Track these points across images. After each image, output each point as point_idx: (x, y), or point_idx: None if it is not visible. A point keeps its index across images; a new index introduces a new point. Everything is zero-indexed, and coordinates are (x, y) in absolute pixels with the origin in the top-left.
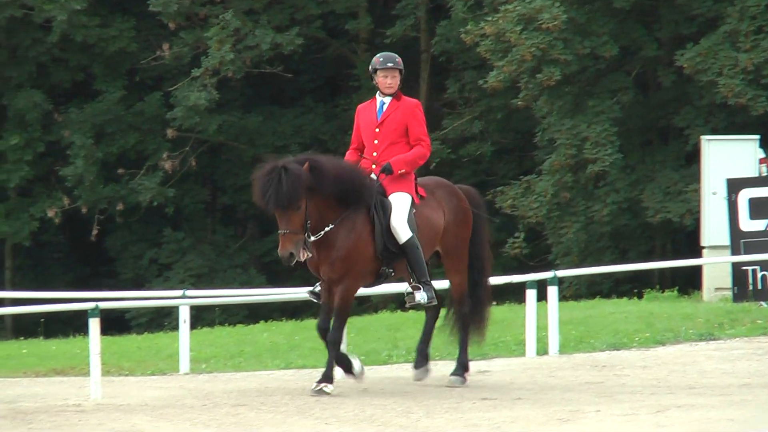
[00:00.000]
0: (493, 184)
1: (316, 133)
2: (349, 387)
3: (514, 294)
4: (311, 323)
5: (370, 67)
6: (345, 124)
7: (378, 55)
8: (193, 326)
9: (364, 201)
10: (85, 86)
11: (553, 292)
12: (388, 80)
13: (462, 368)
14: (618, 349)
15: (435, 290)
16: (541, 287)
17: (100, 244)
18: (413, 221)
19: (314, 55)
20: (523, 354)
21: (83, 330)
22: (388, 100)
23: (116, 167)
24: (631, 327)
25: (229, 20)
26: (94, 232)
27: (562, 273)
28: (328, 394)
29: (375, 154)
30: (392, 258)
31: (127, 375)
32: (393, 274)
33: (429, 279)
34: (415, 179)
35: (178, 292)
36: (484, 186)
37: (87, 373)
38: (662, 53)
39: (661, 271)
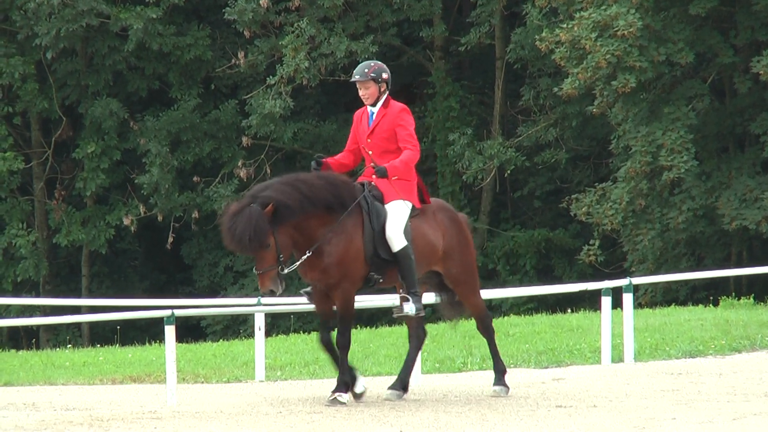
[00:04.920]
0: (568, 191)
1: None
2: (425, 394)
3: (589, 301)
4: (386, 331)
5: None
6: (420, 132)
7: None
8: (268, 333)
9: (348, 202)
10: (160, 94)
11: (628, 299)
12: (361, 92)
13: (501, 375)
14: (694, 357)
15: (422, 302)
16: (617, 294)
17: (175, 252)
18: (409, 231)
19: (389, 63)
20: (598, 361)
21: (159, 337)
22: (376, 108)
23: (192, 175)
24: (707, 334)
25: (304, 28)
26: (170, 239)
27: (637, 280)
28: (343, 404)
29: (372, 164)
30: (382, 265)
31: (202, 382)
32: (381, 281)
33: (419, 290)
34: (419, 183)
35: (254, 300)
36: (559, 193)
37: (163, 381)
38: (738, 60)
39: (738, 278)
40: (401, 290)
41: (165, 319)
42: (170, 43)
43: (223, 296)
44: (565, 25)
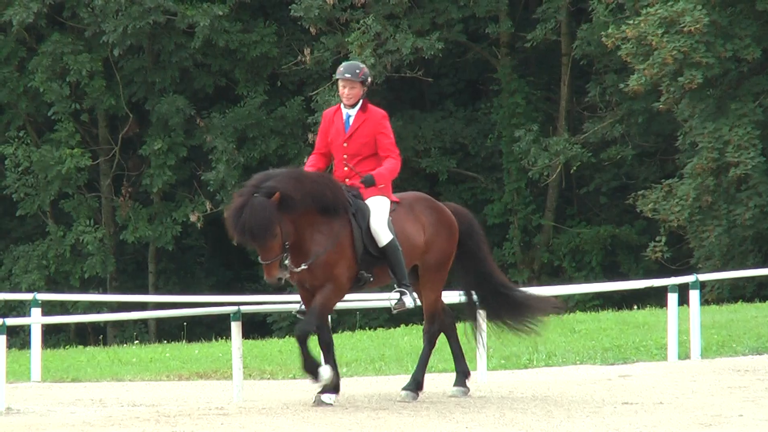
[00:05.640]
0: (634, 187)
1: (456, 136)
2: (490, 391)
3: (655, 298)
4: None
5: (335, 75)
6: (486, 128)
7: (342, 64)
8: (334, 330)
9: (340, 208)
10: (227, 91)
11: (695, 296)
12: (346, 91)
13: (416, 387)
14: (761, 354)
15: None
16: (683, 291)
17: (242, 248)
18: (392, 227)
19: (455, 59)
20: (664, 358)
21: (225, 334)
22: (354, 111)
23: (257, 171)
24: None
25: (370, 25)
26: None
27: (704, 277)
28: (330, 404)
29: (346, 168)
30: (372, 263)
31: (268, 378)
32: (372, 280)
33: (408, 283)
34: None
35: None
36: (625, 190)
37: (229, 377)
38: None
39: None
40: (395, 285)
41: (231, 315)
42: (236, 40)
43: (289, 293)
44: (631, 21)
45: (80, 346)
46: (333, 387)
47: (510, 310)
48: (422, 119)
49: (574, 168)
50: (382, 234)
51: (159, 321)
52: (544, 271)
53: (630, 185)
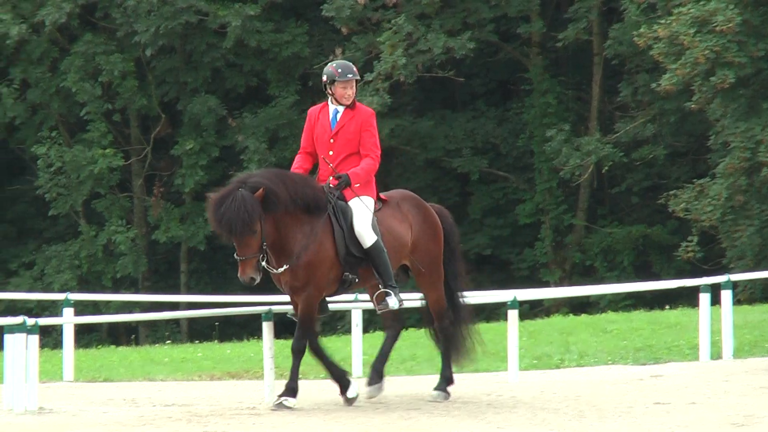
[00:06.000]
0: (666, 187)
1: (487, 136)
2: (522, 390)
3: (687, 298)
4: (484, 327)
5: (324, 77)
6: (517, 128)
7: (334, 64)
8: (365, 330)
9: (321, 209)
10: (258, 91)
11: (727, 296)
12: (348, 91)
13: (445, 382)
14: None
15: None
16: (715, 291)
17: None
18: (377, 228)
19: (486, 59)
20: (696, 358)
21: (257, 334)
22: (341, 108)
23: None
24: None
25: (401, 25)
26: None
27: (736, 277)
28: (289, 408)
29: (331, 165)
30: (356, 264)
31: (300, 378)
32: (357, 281)
33: (395, 283)
34: (375, 184)
35: (351, 296)
36: (657, 189)
37: (261, 377)
38: None
39: None
40: (380, 286)
41: (263, 315)
42: (268, 40)
43: None
44: (663, 21)
45: (112, 346)
46: (292, 390)
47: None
48: (453, 119)
49: (606, 168)
50: (367, 236)
51: (191, 321)
52: (575, 271)
53: (662, 185)
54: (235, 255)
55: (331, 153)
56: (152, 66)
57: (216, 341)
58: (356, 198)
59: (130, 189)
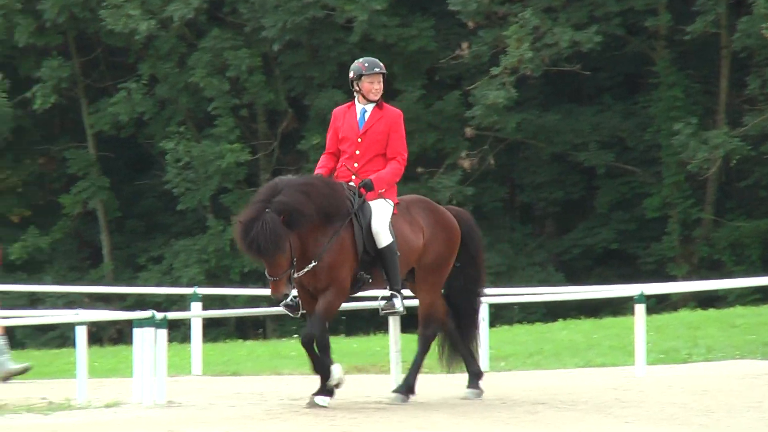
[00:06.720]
0: None
1: (614, 130)
2: (649, 385)
3: None
4: (610, 321)
5: (351, 73)
6: (644, 122)
7: (361, 60)
8: (492, 324)
9: (344, 215)
10: (384, 85)
11: None
12: (375, 86)
13: (407, 390)
14: None
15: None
16: None
17: None
18: (392, 231)
19: (613, 53)
20: None
21: (384, 328)
22: (370, 107)
23: (416, 166)
24: None
25: (528, 18)
26: None
27: None
28: (325, 407)
29: (356, 165)
30: (370, 263)
31: (426, 372)
32: (370, 280)
33: (401, 289)
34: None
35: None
36: None
37: (387, 371)
38: None
39: None
40: (386, 287)
41: None
42: (394, 35)
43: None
44: None
45: (240, 340)
46: (328, 390)
47: (465, 328)
48: (580, 113)
49: (734, 161)
50: (383, 236)
51: None
52: (703, 265)
53: None
54: (266, 273)
55: (357, 152)
56: (279, 61)
57: (343, 335)
58: (377, 200)
59: (257, 183)
